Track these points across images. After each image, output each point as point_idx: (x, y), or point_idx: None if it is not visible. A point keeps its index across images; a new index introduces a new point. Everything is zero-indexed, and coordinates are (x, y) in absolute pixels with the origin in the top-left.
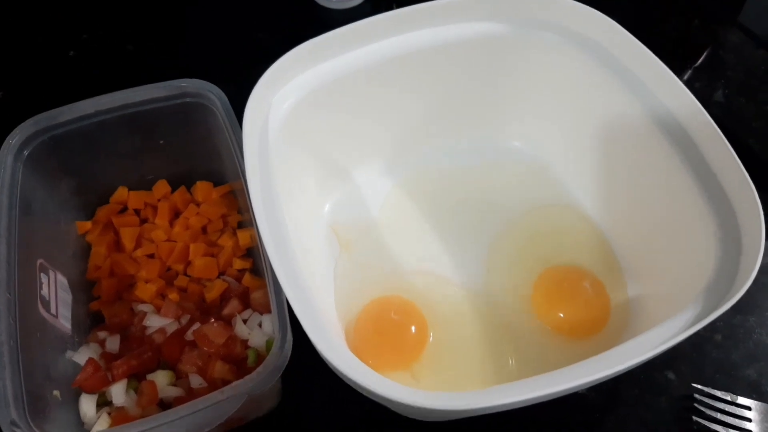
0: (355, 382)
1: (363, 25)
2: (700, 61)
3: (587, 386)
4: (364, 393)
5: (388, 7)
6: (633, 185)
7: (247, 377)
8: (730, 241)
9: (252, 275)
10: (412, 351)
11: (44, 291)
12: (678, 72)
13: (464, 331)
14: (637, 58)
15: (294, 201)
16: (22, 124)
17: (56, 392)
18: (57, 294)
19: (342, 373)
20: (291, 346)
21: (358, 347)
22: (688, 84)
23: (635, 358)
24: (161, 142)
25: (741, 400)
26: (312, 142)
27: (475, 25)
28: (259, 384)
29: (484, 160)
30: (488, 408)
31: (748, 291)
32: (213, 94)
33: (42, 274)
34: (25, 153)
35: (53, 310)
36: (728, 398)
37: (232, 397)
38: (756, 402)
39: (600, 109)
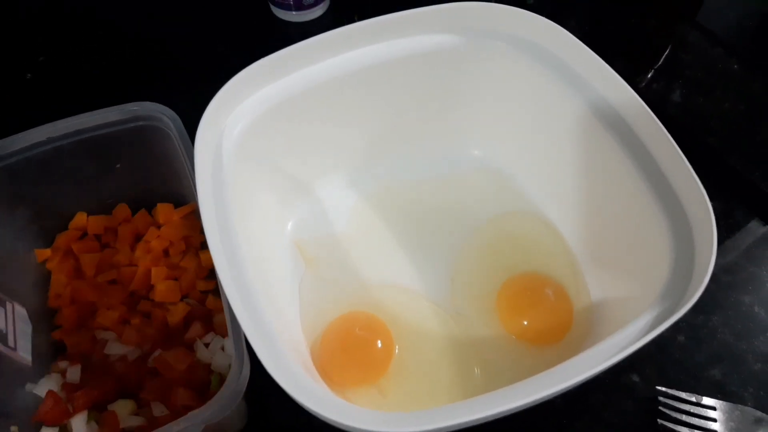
0: (308, 408)
1: (316, 41)
2: (660, 62)
3: (554, 396)
4: (318, 416)
5: (349, 19)
6: (589, 190)
7: (204, 405)
8: (684, 243)
9: (215, 297)
10: (378, 366)
11: (0, 324)
12: (639, 74)
13: (430, 343)
14: (585, 62)
15: (253, 220)
16: None
17: (14, 428)
18: (15, 326)
19: (295, 399)
20: (249, 370)
21: (324, 364)
22: (648, 85)
23: (597, 366)
24: (118, 165)
25: (705, 400)
26: (271, 160)
27: (431, 37)
28: (216, 412)
29: (447, 171)
30: (442, 429)
31: (709, 291)
32: (166, 117)
33: None
34: None
35: (11, 343)
36: (693, 399)
37: (189, 426)
38: (720, 402)
39: (553, 114)
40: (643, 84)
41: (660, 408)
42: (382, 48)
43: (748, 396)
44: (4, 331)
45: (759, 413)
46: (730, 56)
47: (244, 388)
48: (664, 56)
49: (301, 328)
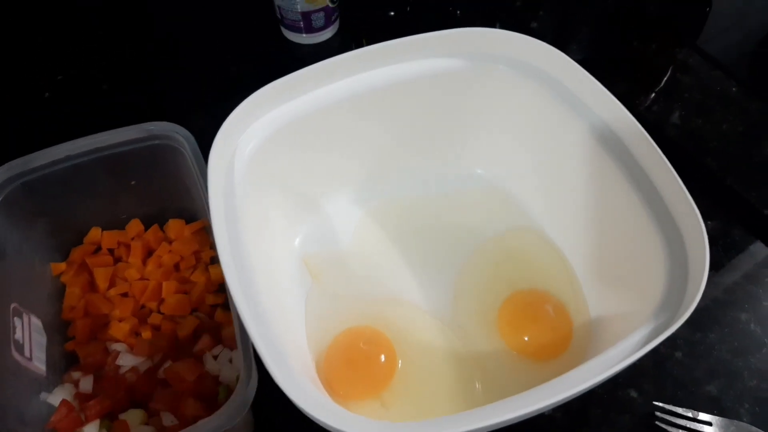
0: (315, 419)
1: (327, 64)
2: (661, 85)
3: (551, 407)
4: (325, 427)
5: (357, 42)
6: (589, 209)
7: (212, 415)
8: (678, 260)
9: (224, 310)
10: (381, 380)
11: (18, 335)
12: (640, 96)
13: (432, 358)
14: (585, 86)
15: (263, 236)
16: None
17: None
18: (31, 337)
19: (304, 411)
20: (256, 382)
21: (328, 378)
22: (648, 108)
23: (594, 378)
24: (133, 182)
25: (702, 416)
26: (280, 178)
27: (437, 61)
28: (225, 421)
29: (450, 188)
30: None
31: (707, 308)
32: (181, 136)
33: (15, 318)
34: None
35: (27, 353)
36: (689, 414)
37: None
38: (716, 417)
39: (555, 136)
40: (644, 106)
41: (657, 423)
42: (389, 71)
43: (744, 412)
44: (21, 342)
45: (754, 429)
46: (729, 79)
47: (252, 399)
48: (665, 79)
49: (307, 342)
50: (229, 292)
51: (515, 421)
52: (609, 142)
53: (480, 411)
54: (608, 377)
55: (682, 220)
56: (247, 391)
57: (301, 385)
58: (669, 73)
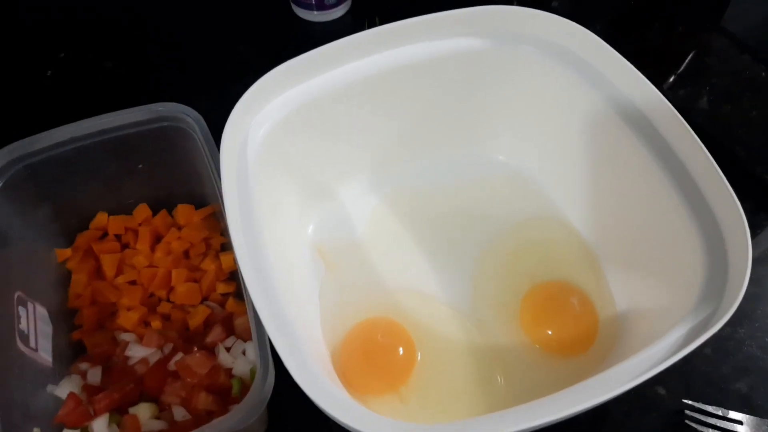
0: (334, 417)
1: (342, 44)
2: (682, 68)
3: (582, 412)
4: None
5: (370, 20)
6: (617, 197)
7: (228, 414)
8: (717, 255)
9: (235, 300)
10: (400, 374)
11: (23, 325)
12: (662, 79)
13: (452, 351)
14: (612, 66)
15: (276, 223)
16: None
17: (37, 429)
18: (36, 326)
19: (324, 410)
20: (273, 379)
21: (344, 371)
22: (672, 91)
23: (629, 382)
24: (140, 166)
25: (732, 414)
26: (293, 163)
27: (455, 40)
28: (242, 419)
29: (469, 175)
30: None
31: None
32: (190, 118)
33: (20, 307)
34: (0, 183)
35: (33, 344)
36: (719, 413)
37: None
38: (747, 416)
39: (580, 119)
40: (667, 89)
41: (686, 421)
42: (406, 51)
43: None
44: (26, 332)
45: None
46: (758, 63)
47: (269, 396)
48: (686, 62)
49: (322, 333)
50: (244, 283)
51: (548, 425)
52: (641, 126)
53: (506, 415)
54: (647, 378)
55: (719, 210)
56: (264, 388)
57: (319, 383)
58: (694, 56)
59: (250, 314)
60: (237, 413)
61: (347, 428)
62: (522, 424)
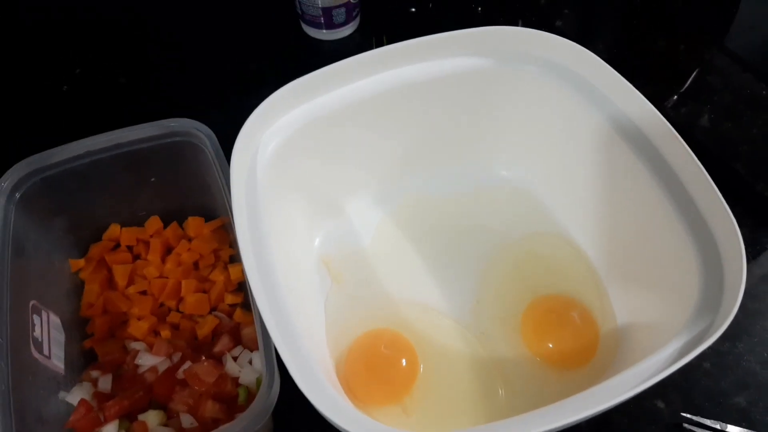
0: (340, 427)
1: (348, 63)
2: (686, 86)
3: (581, 421)
4: None
5: (378, 38)
6: (616, 213)
7: (233, 422)
8: (712, 269)
9: (243, 310)
10: (403, 385)
11: (36, 332)
12: (664, 97)
13: (454, 363)
14: (613, 85)
15: (283, 236)
16: (14, 166)
17: None
18: (50, 334)
19: (328, 418)
20: (279, 387)
21: (348, 382)
22: (674, 109)
23: (625, 393)
24: (152, 179)
25: (730, 428)
26: (301, 178)
27: (461, 60)
28: (247, 426)
29: (473, 190)
30: None
31: (735, 318)
32: (201, 133)
33: (35, 315)
34: (17, 195)
35: (46, 351)
36: (717, 426)
37: None
38: (745, 430)
39: (581, 136)
40: (671, 107)
41: None
42: (413, 70)
43: None
44: (40, 340)
45: None
46: (759, 81)
47: (274, 404)
48: (690, 80)
49: (327, 344)
50: (251, 294)
51: None
52: (639, 144)
53: (505, 424)
54: (641, 391)
55: (715, 225)
56: (269, 397)
57: (324, 391)
58: (696, 74)
59: (257, 324)
60: (242, 420)
61: None
62: None
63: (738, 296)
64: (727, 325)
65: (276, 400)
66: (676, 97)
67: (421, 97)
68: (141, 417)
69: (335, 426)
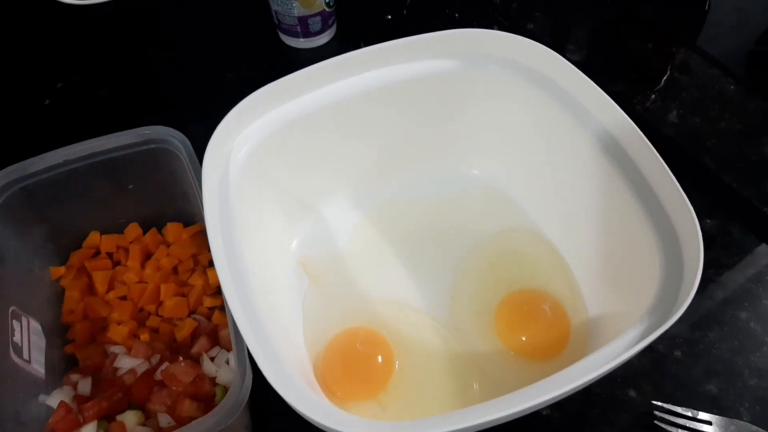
0: (308, 418)
1: (320, 67)
2: (656, 84)
3: (545, 405)
4: (319, 426)
5: (355, 46)
6: (585, 208)
7: (208, 414)
8: (673, 259)
9: (221, 312)
10: (379, 381)
11: (16, 337)
12: (634, 95)
13: (430, 358)
14: (579, 86)
15: (258, 239)
16: None
17: None
18: (30, 339)
19: (296, 409)
20: (251, 383)
21: (325, 379)
22: (646, 107)
23: (587, 375)
24: (131, 186)
25: (701, 415)
26: (276, 182)
27: (432, 62)
28: (220, 420)
29: (447, 190)
30: None
31: (706, 307)
32: (176, 140)
33: (14, 320)
34: None
35: (26, 356)
36: (689, 414)
37: None
38: (716, 416)
39: (549, 136)
40: (641, 106)
41: (656, 422)
42: (384, 73)
43: (744, 411)
44: (20, 345)
45: (755, 428)
46: (726, 77)
47: (247, 398)
48: (664, 79)
49: (305, 343)
50: (223, 294)
51: (509, 419)
52: (605, 142)
53: (473, 409)
54: (601, 375)
55: (677, 219)
56: (241, 392)
57: (294, 385)
58: (667, 73)
59: (229, 323)
60: (215, 415)
61: (321, 428)
62: (486, 417)
63: (694, 283)
64: (683, 310)
65: (248, 396)
66: (645, 94)
67: (392, 99)
68: (119, 418)
69: (305, 418)
